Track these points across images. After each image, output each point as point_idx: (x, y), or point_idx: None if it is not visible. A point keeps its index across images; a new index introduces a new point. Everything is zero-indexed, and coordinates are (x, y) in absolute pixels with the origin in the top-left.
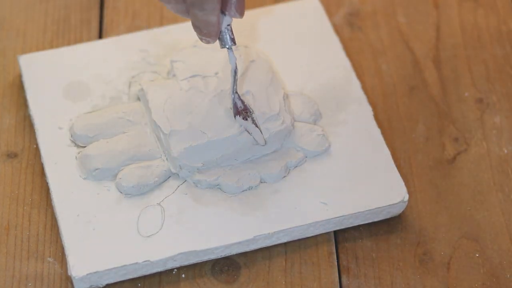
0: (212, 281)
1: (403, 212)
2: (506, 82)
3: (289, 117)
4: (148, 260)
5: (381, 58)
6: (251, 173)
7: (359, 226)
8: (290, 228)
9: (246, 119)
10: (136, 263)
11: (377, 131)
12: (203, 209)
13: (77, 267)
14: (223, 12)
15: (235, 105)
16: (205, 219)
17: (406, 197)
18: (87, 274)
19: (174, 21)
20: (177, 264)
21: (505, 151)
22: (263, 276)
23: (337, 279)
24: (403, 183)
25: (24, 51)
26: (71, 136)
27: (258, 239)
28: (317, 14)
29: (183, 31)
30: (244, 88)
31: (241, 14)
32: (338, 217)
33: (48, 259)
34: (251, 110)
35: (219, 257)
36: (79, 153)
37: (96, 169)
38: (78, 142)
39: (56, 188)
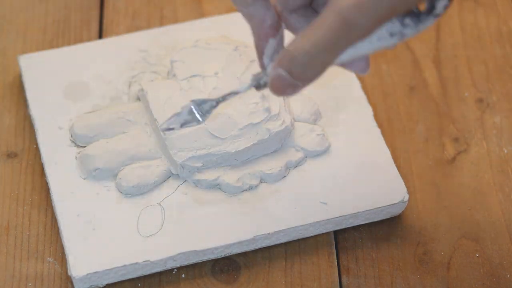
0: (212, 281)
1: (403, 212)
2: (506, 82)
3: (289, 117)
4: (148, 260)
5: (381, 58)
6: (251, 173)
7: (359, 226)
8: (290, 228)
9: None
10: (136, 263)
11: (377, 131)
12: (203, 209)
13: (77, 267)
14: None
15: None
16: (205, 219)
17: (406, 197)
18: (87, 274)
19: (174, 21)
20: (177, 264)
21: (505, 151)
22: (263, 276)
23: (337, 279)
24: (403, 183)
25: (24, 51)
26: (71, 136)
27: (258, 239)
28: None
29: (183, 31)
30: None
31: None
32: (338, 217)
33: (48, 259)
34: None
35: (219, 257)
36: (79, 153)
37: (96, 169)
38: (78, 142)
39: (56, 188)
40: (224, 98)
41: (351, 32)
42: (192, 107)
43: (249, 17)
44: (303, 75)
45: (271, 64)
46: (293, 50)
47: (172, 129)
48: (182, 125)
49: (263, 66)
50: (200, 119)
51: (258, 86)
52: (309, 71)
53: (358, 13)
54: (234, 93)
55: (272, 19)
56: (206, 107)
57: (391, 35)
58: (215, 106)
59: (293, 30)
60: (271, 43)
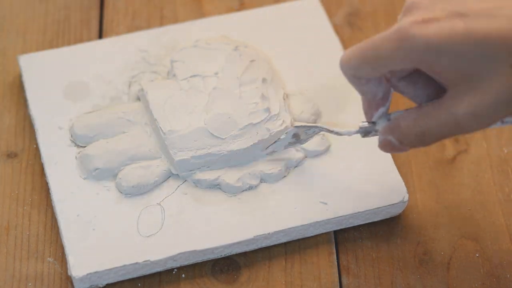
0: (212, 281)
1: (403, 212)
2: None
3: (289, 117)
4: (148, 260)
5: None
6: (251, 173)
7: (359, 226)
8: (290, 228)
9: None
10: (136, 263)
11: None
12: (203, 209)
13: (77, 267)
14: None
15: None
16: (205, 219)
17: (406, 197)
18: (87, 274)
19: (174, 21)
20: (177, 264)
21: (505, 151)
22: (263, 276)
23: (337, 279)
24: (403, 183)
25: (24, 51)
26: (71, 136)
27: (258, 239)
28: (317, 14)
29: (183, 31)
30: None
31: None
32: (338, 217)
33: (48, 259)
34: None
35: (219, 257)
36: (79, 153)
37: (96, 169)
38: (78, 142)
39: (56, 188)
40: (327, 129)
41: (461, 131)
42: (297, 131)
43: (363, 93)
44: (411, 145)
45: (380, 121)
46: (404, 128)
47: (275, 151)
48: (285, 147)
49: (371, 121)
50: (304, 141)
51: (365, 135)
52: (418, 144)
53: (473, 121)
54: (338, 133)
55: (383, 92)
56: (310, 132)
57: (502, 121)
58: (317, 133)
59: (401, 93)
60: (381, 110)
